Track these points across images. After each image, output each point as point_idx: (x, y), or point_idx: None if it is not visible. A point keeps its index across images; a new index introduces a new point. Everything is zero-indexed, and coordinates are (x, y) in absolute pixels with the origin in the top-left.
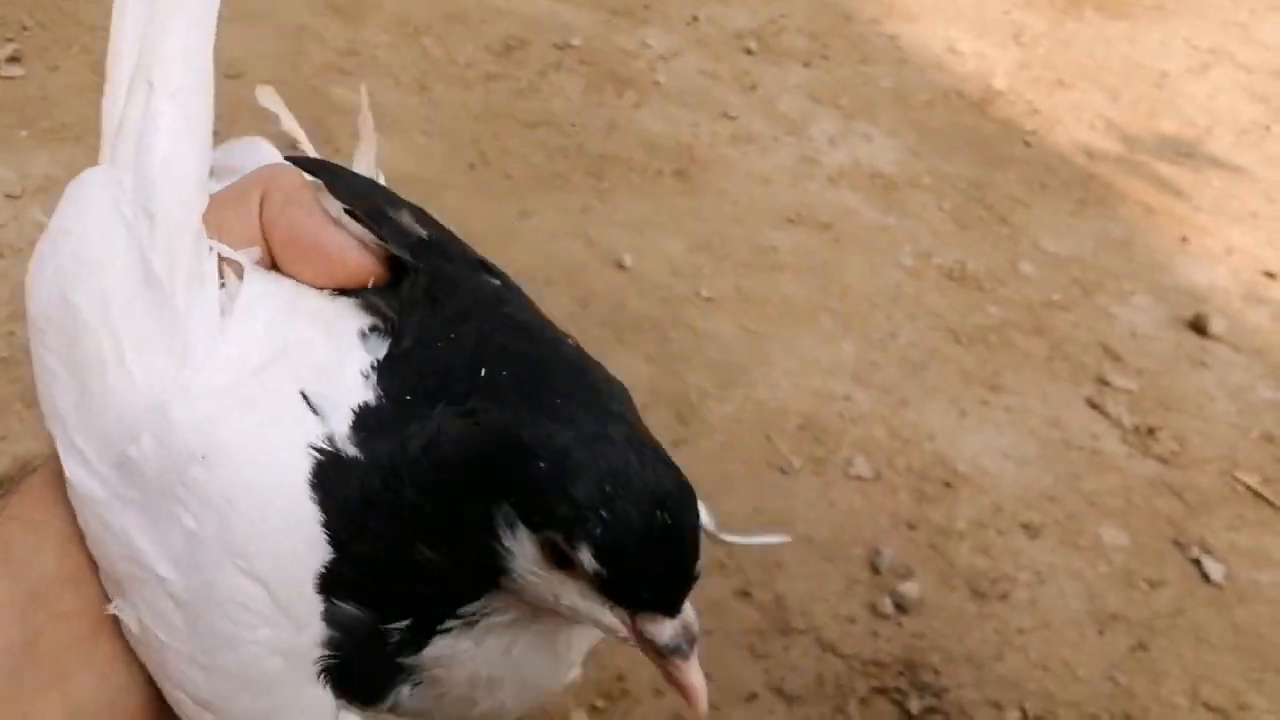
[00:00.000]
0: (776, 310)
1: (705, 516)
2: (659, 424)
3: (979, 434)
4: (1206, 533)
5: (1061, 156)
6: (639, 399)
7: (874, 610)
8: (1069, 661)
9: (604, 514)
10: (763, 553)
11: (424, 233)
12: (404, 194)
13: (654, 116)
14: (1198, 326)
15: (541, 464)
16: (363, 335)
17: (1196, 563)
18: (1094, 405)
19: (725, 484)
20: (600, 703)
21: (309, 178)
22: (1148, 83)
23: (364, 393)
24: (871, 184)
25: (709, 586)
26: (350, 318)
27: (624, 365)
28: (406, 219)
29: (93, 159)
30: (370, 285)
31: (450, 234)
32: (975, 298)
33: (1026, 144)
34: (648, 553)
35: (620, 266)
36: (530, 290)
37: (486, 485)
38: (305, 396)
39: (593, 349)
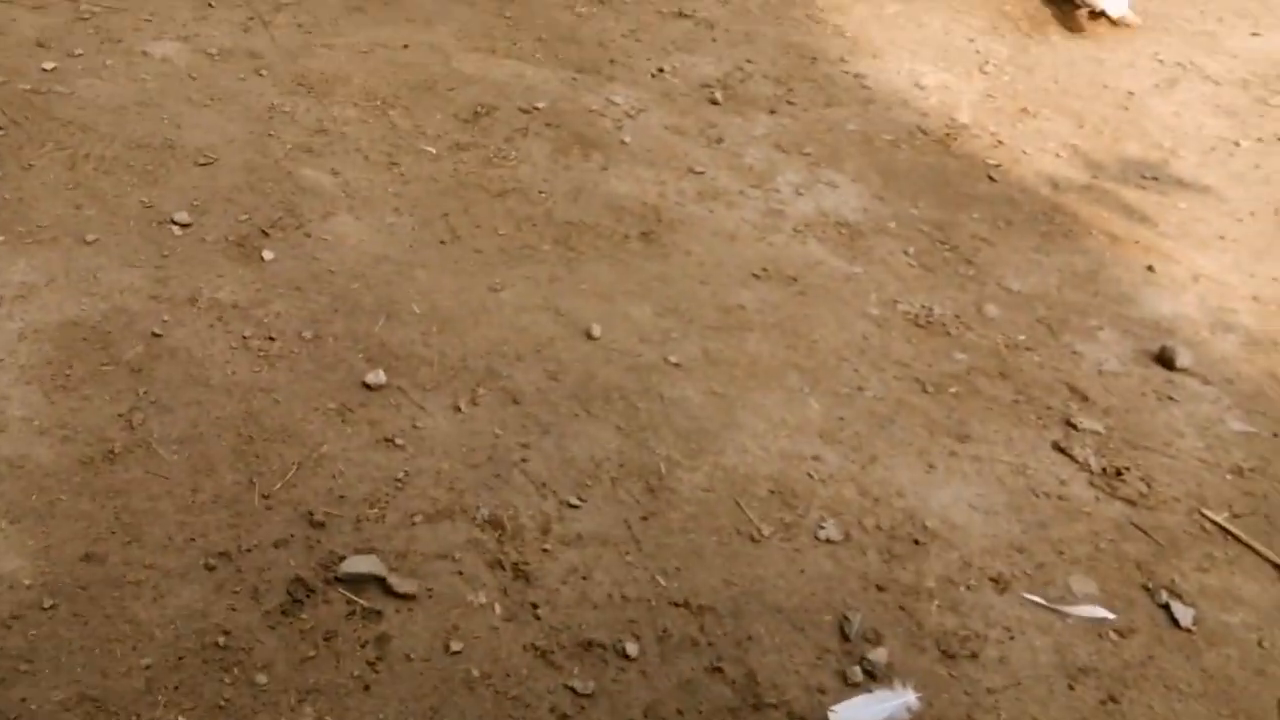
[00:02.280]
0: (744, 371)
1: None
2: (628, 498)
3: (947, 486)
4: (1175, 575)
5: (1026, 189)
6: (608, 472)
7: (844, 679)
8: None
9: None
10: (734, 626)
11: None
12: (376, 275)
13: (620, 177)
14: (1164, 360)
15: None
16: None
17: (1165, 607)
18: (1061, 449)
19: (696, 557)
20: None
21: None
22: (1113, 104)
23: None
24: (837, 233)
25: (680, 663)
26: None
27: (593, 438)
28: None
29: (68, 263)
30: None
31: None
32: (942, 344)
33: (991, 179)
34: None
35: (589, 336)
36: (500, 366)
37: None
38: None
39: (562, 423)
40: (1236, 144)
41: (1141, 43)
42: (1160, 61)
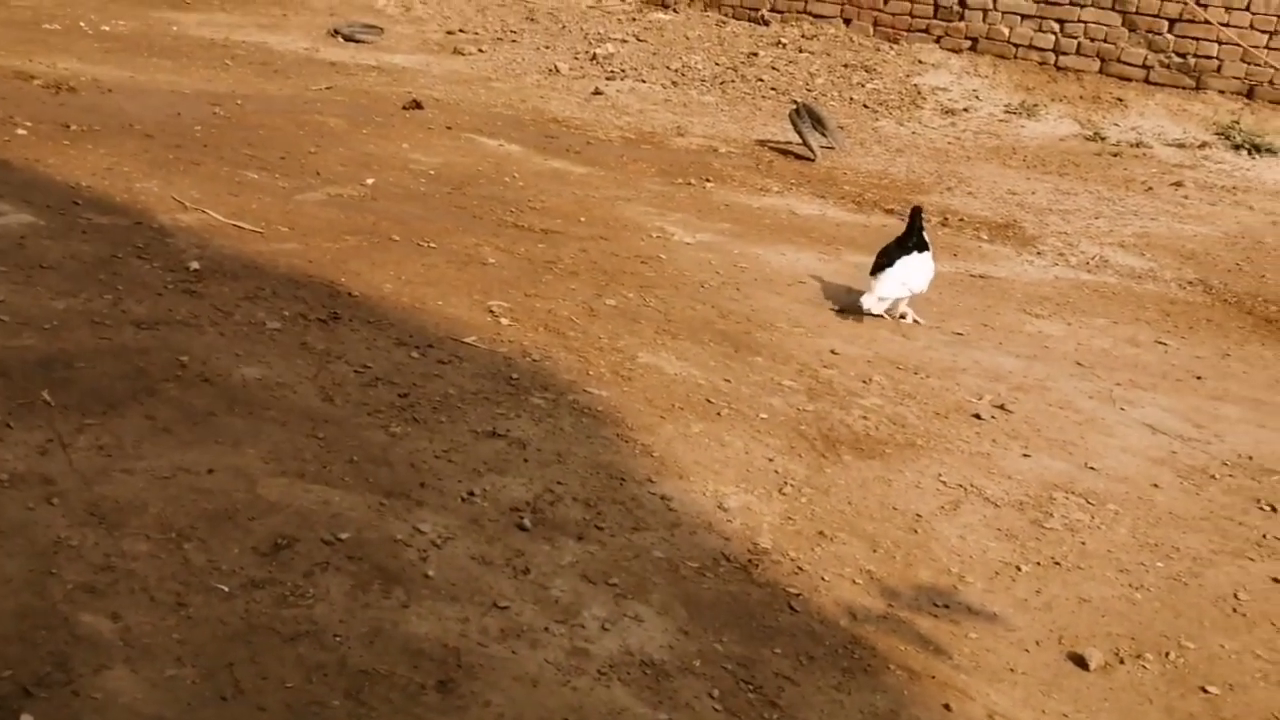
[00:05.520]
0: None
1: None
2: None
3: None
4: None
5: (826, 620)
6: None
7: None
8: None
9: None
10: None
11: None
12: None
13: (421, 616)
14: None
15: None
16: None
17: None
18: None
19: None
20: None
21: None
22: (904, 527)
23: None
24: (642, 674)
25: None
26: None
27: None
28: None
29: None
30: None
31: None
32: None
33: (792, 609)
34: None
35: None
36: None
37: None
38: None
39: None
40: (1018, 568)
41: (925, 462)
42: (944, 483)
